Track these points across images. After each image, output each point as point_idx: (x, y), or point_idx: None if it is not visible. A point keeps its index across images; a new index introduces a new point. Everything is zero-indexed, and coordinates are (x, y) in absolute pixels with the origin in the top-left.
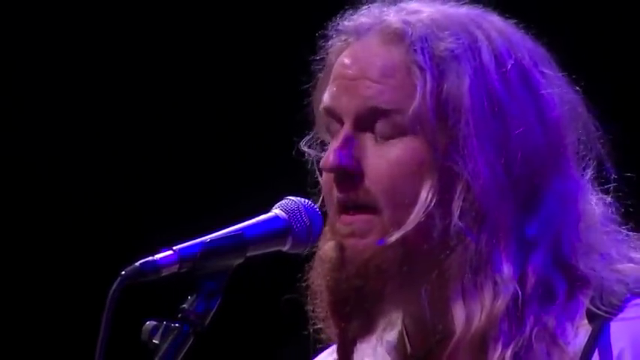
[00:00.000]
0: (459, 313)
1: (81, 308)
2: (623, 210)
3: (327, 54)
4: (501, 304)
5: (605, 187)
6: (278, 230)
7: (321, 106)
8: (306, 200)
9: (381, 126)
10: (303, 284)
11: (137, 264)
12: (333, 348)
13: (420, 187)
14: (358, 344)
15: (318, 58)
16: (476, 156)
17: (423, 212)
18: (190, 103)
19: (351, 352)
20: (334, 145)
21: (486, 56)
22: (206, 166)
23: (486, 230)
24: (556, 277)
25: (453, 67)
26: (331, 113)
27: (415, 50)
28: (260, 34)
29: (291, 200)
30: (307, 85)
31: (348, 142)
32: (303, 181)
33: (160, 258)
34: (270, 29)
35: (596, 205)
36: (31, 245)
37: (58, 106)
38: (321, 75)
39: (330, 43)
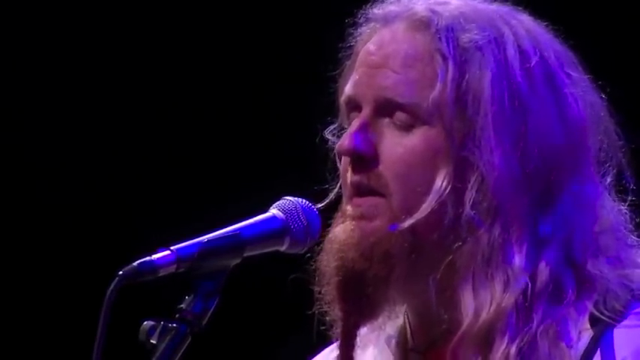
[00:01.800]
0: (467, 303)
1: (79, 308)
2: (636, 219)
3: (355, 42)
4: (511, 296)
5: (622, 195)
6: (275, 230)
7: (343, 96)
8: (304, 200)
9: (399, 115)
10: (312, 267)
11: (135, 264)
12: (334, 346)
13: (434, 175)
14: (362, 333)
15: (346, 45)
16: (492, 148)
17: (437, 200)
18: (189, 102)
19: (354, 337)
20: (351, 128)
21: (511, 51)
22: (204, 166)
23: (499, 222)
24: (566, 276)
25: (476, 58)
26: (352, 102)
27: (440, 39)
28: (259, 35)
29: (289, 200)
30: (312, 81)
31: (365, 127)
32: (301, 181)
33: (158, 258)
34: (269, 30)
35: (610, 210)
36: (28, 245)
37: (56, 106)
38: (348, 62)
39: (358, 31)
